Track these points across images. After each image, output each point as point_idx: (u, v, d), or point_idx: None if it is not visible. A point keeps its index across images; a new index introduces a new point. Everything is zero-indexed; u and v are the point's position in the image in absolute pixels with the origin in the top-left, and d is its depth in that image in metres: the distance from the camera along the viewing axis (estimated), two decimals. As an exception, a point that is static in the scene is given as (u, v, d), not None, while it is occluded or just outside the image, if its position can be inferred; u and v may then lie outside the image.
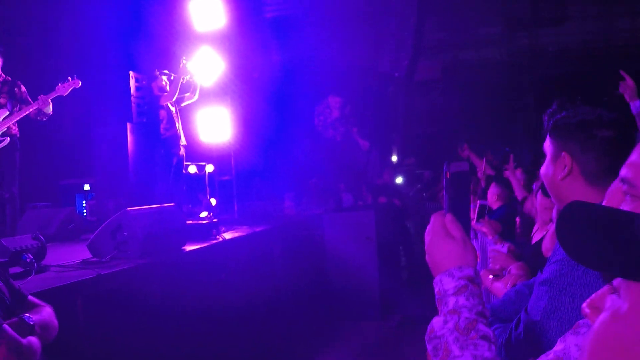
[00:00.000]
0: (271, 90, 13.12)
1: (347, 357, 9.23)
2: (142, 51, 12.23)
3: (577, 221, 1.25)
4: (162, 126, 10.23)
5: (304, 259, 10.71)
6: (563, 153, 2.30)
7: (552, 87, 21.84)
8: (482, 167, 9.06)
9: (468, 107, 23.40)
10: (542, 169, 2.39)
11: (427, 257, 1.81)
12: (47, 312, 3.43)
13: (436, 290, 1.73)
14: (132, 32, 12.35)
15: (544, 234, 4.89)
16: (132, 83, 11.92)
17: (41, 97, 8.38)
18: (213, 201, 10.42)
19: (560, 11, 22.35)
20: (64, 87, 8.50)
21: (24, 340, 3.00)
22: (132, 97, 11.81)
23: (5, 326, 2.95)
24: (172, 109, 10.27)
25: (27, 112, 8.38)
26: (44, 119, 8.71)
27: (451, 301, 1.65)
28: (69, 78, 8.72)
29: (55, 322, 3.45)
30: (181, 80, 10.14)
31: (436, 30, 22.16)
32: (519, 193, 7.83)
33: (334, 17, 17.98)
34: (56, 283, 4.78)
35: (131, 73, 11.89)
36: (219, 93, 11.31)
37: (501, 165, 8.58)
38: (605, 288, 1.31)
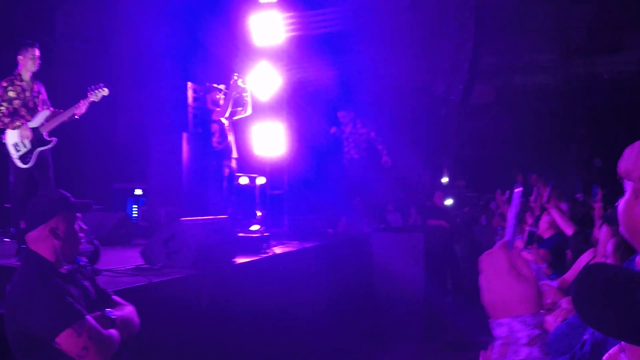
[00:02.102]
0: (326, 106, 13.15)
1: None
2: (200, 63, 12.36)
3: (593, 287, 1.30)
4: (214, 139, 10.29)
5: (352, 277, 10.71)
6: None
7: (606, 117, 21.61)
8: (546, 196, 8.79)
9: (520, 133, 23.22)
10: (621, 203, 2.34)
11: (486, 295, 1.60)
12: (128, 310, 3.76)
13: (501, 333, 1.56)
14: (192, 44, 12.50)
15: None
16: (190, 94, 12.03)
17: (82, 101, 8.30)
18: (258, 213, 10.47)
19: (617, 40, 22.10)
20: (94, 93, 8.38)
21: (104, 331, 3.31)
22: (189, 108, 11.92)
23: (88, 317, 3.27)
24: (225, 122, 10.33)
25: (71, 114, 8.29)
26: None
27: (523, 351, 1.54)
28: (101, 86, 8.53)
29: (137, 319, 3.76)
30: (232, 96, 10.19)
31: (491, 54, 22.04)
32: (566, 227, 7.57)
33: (391, 37, 18.01)
34: (108, 288, 4.82)
35: (189, 84, 12.00)
36: (275, 107, 11.36)
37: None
38: (617, 347, 1.36)
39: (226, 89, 10.33)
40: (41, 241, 3.45)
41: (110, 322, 3.42)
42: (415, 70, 19.34)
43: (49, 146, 8.23)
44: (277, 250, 8.55)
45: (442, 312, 11.79)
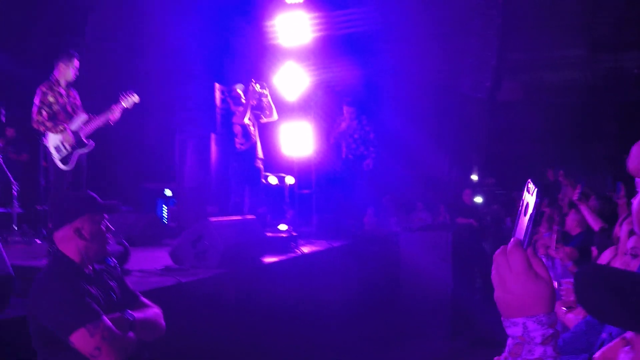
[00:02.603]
0: (353, 105, 13.16)
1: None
2: (228, 64, 12.42)
3: (594, 284, 1.33)
4: (237, 140, 10.32)
5: (378, 275, 10.72)
6: None
7: (635, 113, 21.37)
8: (577, 194, 8.65)
9: (548, 129, 23.04)
10: (635, 203, 2.31)
11: (501, 293, 1.60)
12: (152, 313, 3.71)
13: (515, 332, 1.56)
14: (220, 45, 12.55)
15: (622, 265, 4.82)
16: (218, 95, 12.09)
17: (114, 106, 8.63)
18: (286, 212, 10.52)
19: (646, 34, 21.85)
20: (126, 99, 8.74)
21: (119, 333, 3.29)
22: (217, 109, 11.98)
23: (104, 317, 3.25)
24: (249, 122, 10.34)
25: (106, 119, 8.60)
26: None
27: (538, 350, 1.53)
28: (132, 93, 8.88)
29: (161, 322, 3.72)
30: (251, 102, 10.20)
31: (518, 50, 21.87)
32: (594, 223, 7.58)
33: (416, 35, 18.01)
34: (138, 288, 4.88)
35: (217, 85, 12.06)
36: (303, 107, 11.42)
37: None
38: (618, 341, 1.37)
39: (245, 92, 10.34)
40: (66, 241, 3.49)
41: (129, 324, 3.43)
42: (441, 68, 19.30)
43: (87, 149, 8.63)
44: (305, 249, 8.59)
45: (470, 310, 11.77)
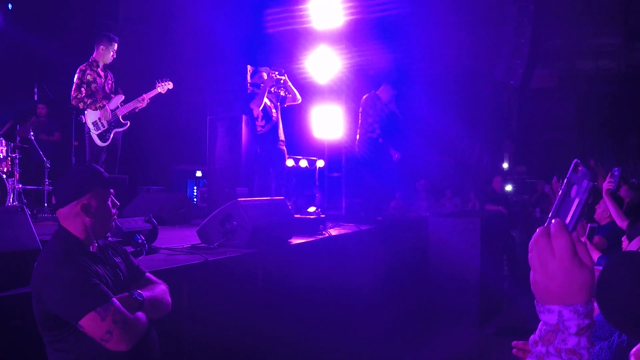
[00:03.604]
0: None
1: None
2: (261, 46, 12.44)
3: (619, 275, 1.31)
4: (257, 124, 10.31)
5: (407, 260, 10.69)
6: None
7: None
8: (606, 184, 8.40)
9: (582, 118, 22.91)
10: None
11: (540, 278, 1.50)
12: (160, 290, 3.58)
13: (549, 320, 1.49)
14: (253, 27, 12.57)
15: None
16: (249, 77, 12.12)
17: (145, 95, 9.10)
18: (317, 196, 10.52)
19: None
20: (161, 86, 9.17)
21: (130, 315, 3.17)
22: (248, 91, 12.03)
23: (114, 299, 3.13)
24: (270, 104, 10.32)
25: (135, 106, 9.19)
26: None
27: (572, 341, 1.47)
28: (167, 80, 9.38)
29: (168, 299, 3.59)
30: (268, 89, 10.19)
31: (553, 38, 21.77)
32: (620, 221, 7.41)
33: (450, 20, 17.91)
34: (165, 265, 4.92)
35: (249, 67, 12.09)
36: (334, 91, 11.40)
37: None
38: None
39: (269, 74, 10.33)
40: (72, 218, 3.36)
41: (139, 304, 3.32)
42: (474, 54, 19.20)
43: (123, 128, 9.18)
44: (333, 232, 8.57)
45: (498, 297, 11.73)
